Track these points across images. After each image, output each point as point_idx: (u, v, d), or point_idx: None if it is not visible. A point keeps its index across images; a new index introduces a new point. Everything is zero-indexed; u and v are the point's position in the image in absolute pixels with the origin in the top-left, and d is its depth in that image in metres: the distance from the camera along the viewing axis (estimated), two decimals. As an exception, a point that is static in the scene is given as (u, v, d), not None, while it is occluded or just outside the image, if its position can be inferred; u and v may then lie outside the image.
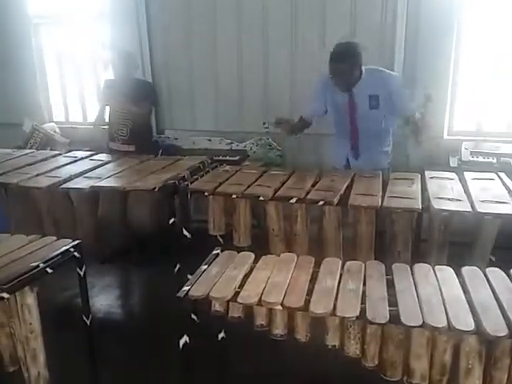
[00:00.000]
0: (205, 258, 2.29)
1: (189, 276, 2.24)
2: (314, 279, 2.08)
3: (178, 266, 2.92)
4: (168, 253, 2.95)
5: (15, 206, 3.21)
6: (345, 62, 2.92)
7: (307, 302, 1.90)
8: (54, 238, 2.38)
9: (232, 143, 4.80)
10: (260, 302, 1.92)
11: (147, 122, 4.29)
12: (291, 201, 2.69)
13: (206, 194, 2.86)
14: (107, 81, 4.29)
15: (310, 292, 1.97)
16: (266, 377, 2.65)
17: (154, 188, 2.91)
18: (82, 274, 2.34)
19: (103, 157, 3.74)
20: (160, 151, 4.43)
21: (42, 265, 2.09)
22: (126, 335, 3.17)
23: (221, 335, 2.44)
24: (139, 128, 4.11)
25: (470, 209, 2.51)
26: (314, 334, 1.96)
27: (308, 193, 2.77)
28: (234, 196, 2.81)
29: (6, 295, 1.91)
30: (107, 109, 4.23)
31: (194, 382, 2.19)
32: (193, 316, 2.10)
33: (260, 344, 2.30)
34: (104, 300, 3.65)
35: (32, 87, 5.41)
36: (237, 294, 1.98)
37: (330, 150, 3.60)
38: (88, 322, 2.45)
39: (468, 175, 3.01)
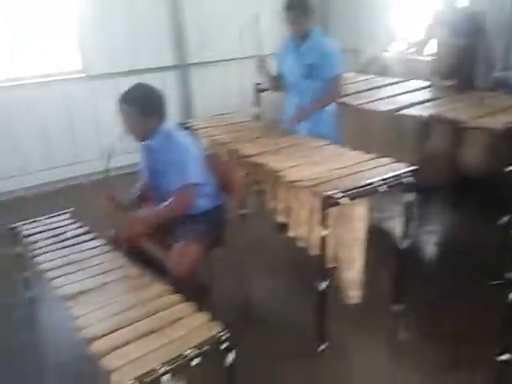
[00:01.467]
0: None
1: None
2: None
3: (505, 219, 2.65)
4: (495, 203, 2.70)
5: (350, 125, 3.45)
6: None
7: None
8: (392, 159, 2.47)
9: None
10: None
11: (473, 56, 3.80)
12: None
13: None
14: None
15: None
16: None
17: (501, 129, 2.64)
18: (412, 200, 2.37)
19: (439, 90, 3.59)
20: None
21: (380, 181, 2.21)
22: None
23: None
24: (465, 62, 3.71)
25: None
26: None
27: None
28: None
29: (346, 200, 2.10)
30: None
31: None
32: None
33: None
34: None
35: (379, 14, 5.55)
36: None
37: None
38: (404, 247, 2.51)
39: None
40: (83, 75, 4.68)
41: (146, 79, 4.69)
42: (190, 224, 2.45)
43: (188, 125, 3.54)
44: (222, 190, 2.67)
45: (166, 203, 2.38)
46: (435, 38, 3.94)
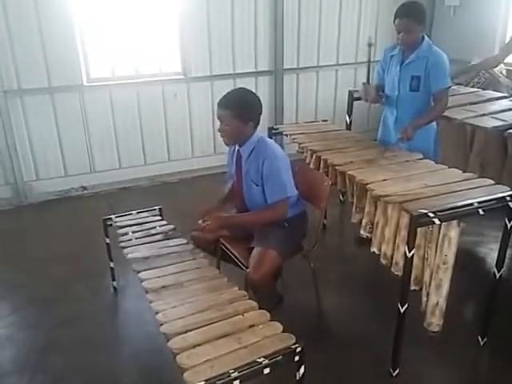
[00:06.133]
0: None
1: None
2: None
3: None
4: None
5: (451, 140, 3.26)
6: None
7: None
8: (491, 181, 2.30)
9: None
10: None
11: None
12: None
13: None
14: None
15: None
16: None
17: None
18: (509, 226, 2.19)
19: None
20: None
21: (476, 204, 2.05)
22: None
23: None
24: None
25: None
26: None
27: None
28: None
29: (437, 221, 1.98)
30: None
31: None
32: None
33: None
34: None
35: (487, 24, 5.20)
36: None
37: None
38: (498, 276, 2.32)
39: None
40: (182, 77, 4.89)
41: (240, 83, 4.89)
42: (272, 229, 2.45)
43: (279, 130, 3.56)
44: (306, 198, 2.65)
45: (259, 211, 2.43)
46: None
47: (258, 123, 2.43)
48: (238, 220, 2.50)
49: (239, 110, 2.32)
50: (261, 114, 2.43)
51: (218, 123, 2.42)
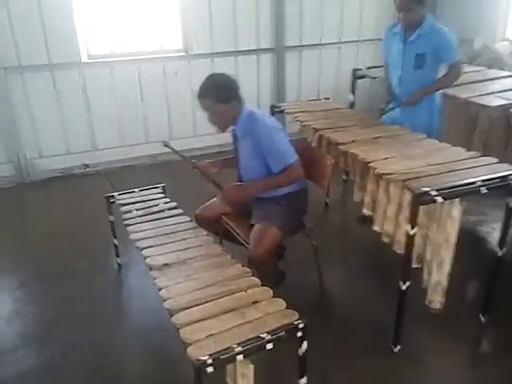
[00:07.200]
0: None
1: None
2: None
3: None
4: None
5: (455, 118, 3.24)
6: None
7: None
8: (495, 159, 2.29)
9: None
10: None
11: None
12: None
13: None
14: None
15: None
16: None
17: None
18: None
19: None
20: None
21: (479, 182, 2.05)
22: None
23: None
24: None
25: None
26: None
27: None
28: None
29: (440, 199, 1.98)
30: None
31: None
32: None
33: None
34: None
35: (491, 2, 5.11)
36: None
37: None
38: (500, 254, 2.33)
39: None
40: (183, 54, 4.83)
41: (242, 61, 4.84)
42: (272, 206, 2.47)
43: (281, 108, 3.54)
44: (308, 176, 2.65)
45: (274, 178, 2.43)
46: None
47: (241, 99, 2.46)
48: (250, 189, 2.49)
49: (216, 93, 2.36)
50: (239, 89, 2.45)
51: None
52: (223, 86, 2.40)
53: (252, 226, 2.44)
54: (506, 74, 3.65)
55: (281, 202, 2.50)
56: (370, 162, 2.40)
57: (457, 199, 2.05)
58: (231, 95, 2.41)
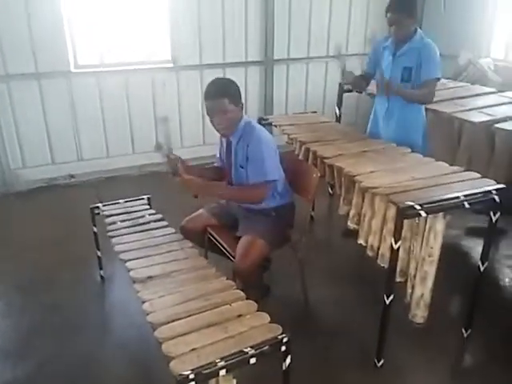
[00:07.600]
0: None
1: None
2: None
3: None
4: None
5: (439, 133, 3.28)
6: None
7: None
8: (478, 174, 2.32)
9: None
10: None
11: None
12: None
13: None
14: None
15: None
16: None
17: None
18: (494, 219, 2.21)
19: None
20: None
21: (462, 197, 2.07)
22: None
23: None
24: None
25: None
26: None
27: None
28: None
29: (423, 213, 2.00)
30: None
31: None
32: None
33: None
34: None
35: (476, 19, 5.22)
36: None
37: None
38: (482, 269, 2.35)
39: None
40: (172, 65, 4.84)
41: (230, 73, 4.86)
42: (260, 218, 2.46)
43: (268, 121, 3.55)
44: (294, 189, 2.66)
45: (240, 188, 2.45)
46: None
47: (243, 106, 2.45)
48: (215, 189, 2.45)
49: (231, 94, 2.34)
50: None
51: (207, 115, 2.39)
52: (236, 89, 2.38)
53: (238, 238, 2.43)
54: (489, 90, 3.72)
55: (269, 214, 2.50)
56: (355, 176, 2.42)
57: (440, 213, 2.08)
58: (240, 99, 2.41)
